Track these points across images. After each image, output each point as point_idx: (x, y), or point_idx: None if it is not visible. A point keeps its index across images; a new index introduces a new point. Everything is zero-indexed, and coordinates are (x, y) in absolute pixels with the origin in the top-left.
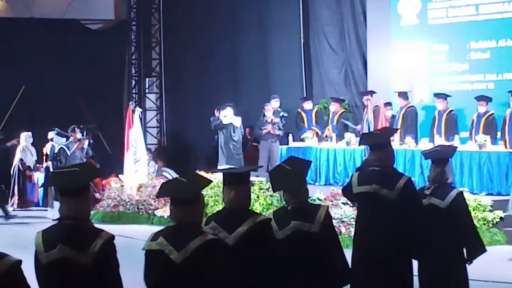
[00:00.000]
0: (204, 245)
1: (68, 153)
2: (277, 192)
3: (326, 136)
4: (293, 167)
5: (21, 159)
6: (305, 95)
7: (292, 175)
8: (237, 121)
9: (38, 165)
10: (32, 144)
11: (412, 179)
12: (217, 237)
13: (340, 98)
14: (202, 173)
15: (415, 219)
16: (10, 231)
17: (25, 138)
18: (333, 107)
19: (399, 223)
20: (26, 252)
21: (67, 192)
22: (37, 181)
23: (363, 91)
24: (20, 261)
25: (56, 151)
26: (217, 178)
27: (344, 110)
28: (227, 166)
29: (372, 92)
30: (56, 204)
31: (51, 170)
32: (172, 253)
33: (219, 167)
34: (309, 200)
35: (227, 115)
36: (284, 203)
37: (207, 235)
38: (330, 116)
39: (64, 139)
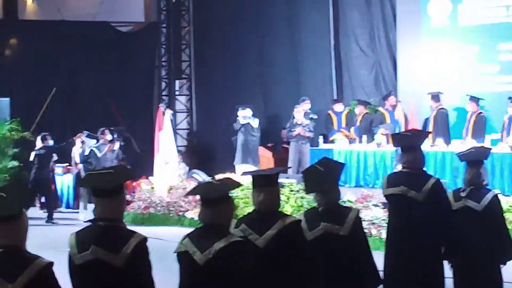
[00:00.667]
0: (228, 247)
1: (99, 155)
2: (309, 193)
3: (351, 138)
4: (326, 168)
5: None
6: (335, 97)
7: (324, 176)
8: (255, 123)
9: (69, 167)
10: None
11: (442, 181)
12: (243, 239)
13: (365, 100)
14: (232, 174)
15: (443, 221)
16: (41, 232)
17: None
18: (358, 109)
19: (427, 224)
20: (58, 253)
21: (101, 194)
22: (57, 184)
23: (384, 95)
24: (52, 263)
25: (86, 153)
26: (246, 180)
27: (367, 111)
28: (243, 165)
29: (389, 94)
30: (89, 206)
31: (82, 172)
32: (195, 254)
33: (235, 165)
34: (340, 202)
35: (246, 115)
36: (316, 204)
37: (232, 236)
38: (354, 116)
39: (94, 141)
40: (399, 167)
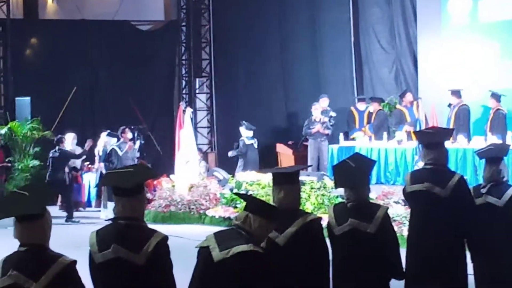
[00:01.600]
0: (245, 253)
1: (120, 154)
2: (338, 188)
3: (368, 136)
4: (358, 164)
5: None
6: (356, 95)
7: (355, 172)
8: (255, 143)
9: (90, 165)
10: (77, 144)
11: (464, 177)
12: (259, 248)
13: (379, 97)
14: (253, 173)
15: (467, 217)
16: (64, 231)
17: (70, 139)
18: (372, 107)
19: (452, 221)
20: (80, 252)
21: (122, 192)
22: (85, 182)
23: (401, 93)
24: (75, 261)
25: (108, 152)
26: (267, 177)
27: (380, 108)
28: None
29: (405, 92)
30: (110, 205)
31: (103, 171)
32: (214, 250)
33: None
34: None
35: (249, 136)
36: (345, 199)
37: (254, 246)
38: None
39: (115, 139)
40: (420, 164)
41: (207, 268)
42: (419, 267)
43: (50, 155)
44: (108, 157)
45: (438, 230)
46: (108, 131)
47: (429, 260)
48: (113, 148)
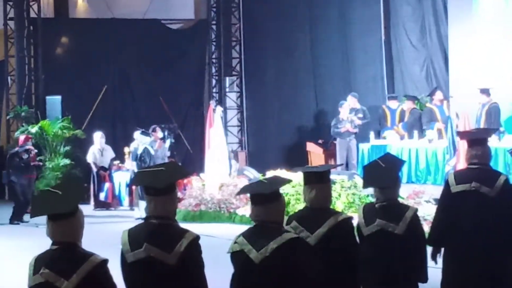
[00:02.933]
0: (284, 244)
1: (153, 153)
2: (367, 188)
3: (400, 134)
4: (388, 164)
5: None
6: (386, 93)
7: (385, 172)
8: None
9: (120, 164)
10: (107, 143)
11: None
12: (298, 235)
13: (413, 95)
14: (284, 171)
15: None
16: (96, 230)
17: (98, 138)
18: (406, 105)
19: (500, 221)
20: (112, 251)
21: (154, 192)
22: (115, 181)
23: (430, 91)
24: (106, 260)
25: (140, 151)
26: (297, 176)
27: (414, 107)
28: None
29: (435, 90)
30: (142, 204)
31: (135, 170)
32: (251, 253)
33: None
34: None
35: None
36: (374, 199)
37: (287, 234)
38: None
39: (148, 138)
40: (451, 163)
41: (249, 272)
42: (464, 269)
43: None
44: (140, 156)
45: (486, 231)
46: (142, 130)
47: (475, 262)
48: (146, 147)
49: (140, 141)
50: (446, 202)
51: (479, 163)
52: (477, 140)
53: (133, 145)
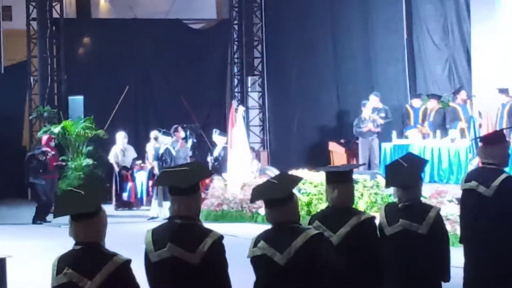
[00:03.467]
0: (307, 243)
1: (174, 153)
2: (389, 187)
3: (424, 133)
4: (410, 164)
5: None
6: (408, 92)
7: (407, 172)
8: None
9: (142, 164)
10: (130, 143)
11: None
12: (319, 231)
13: (437, 95)
14: (306, 171)
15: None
16: (119, 230)
17: (121, 138)
18: (430, 104)
19: (497, 221)
20: (135, 251)
21: (178, 191)
22: (137, 181)
23: (455, 90)
24: (129, 260)
25: (161, 151)
26: (319, 176)
27: (440, 106)
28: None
29: (460, 89)
30: (166, 204)
31: (156, 170)
32: (275, 256)
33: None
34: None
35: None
36: (396, 199)
37: (308, 231)
38: (428, 112)
39: (170, 138)
40: (474, 162)
41: (274, 275)
42: (475, 267)
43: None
44: (161, 156)
45: (485, 229)
46: (163, 130)
47: (486, 260)
48: (167, 148)
49: (161, 142)
50: (460, 199)
51: (488, 163)
52: (489, 140)
53: (149, 145)
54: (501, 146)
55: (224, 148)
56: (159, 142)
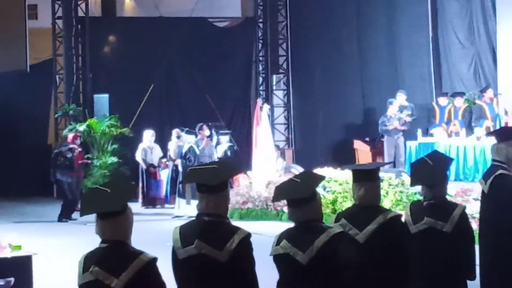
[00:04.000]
0: (329, 242)
1: (197, 151)
2: (414, 186)
3: (451, 132)
4: (436, 162)
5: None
6: (434, 90)
7: (433, 170)
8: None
9: (167, 162)
10: (155, 141)
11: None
12: (342, 230)
13: (462, 92)
14: (330, 169)
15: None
16: (145, 228)
17: (149, 136)
18: (458, 102)
19: (497, 217)
20: (161, 249)
21: (206, 189)
22: (163, 178)
23: (481, 89)
24: (155, 258)
25: (185, 150)
26: (344, 174)
27: (467, 104)
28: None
29: (487, 87)
30: (193, 202)
31: (180, 168)
32: (297, 255)
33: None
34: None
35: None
36: (422, 197)
37: (331, 230)
38: (453, 110)
39: (193, 137)
40: None
41: (296, 273)
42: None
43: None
44: (185, 154)
45: (487, 227)
46: (186, 129)
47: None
48: (191, 146)
49: (185, 140)
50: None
51: (494, 159)
52: (500, 135)
53: (171, 143)
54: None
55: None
56: (182, 140)
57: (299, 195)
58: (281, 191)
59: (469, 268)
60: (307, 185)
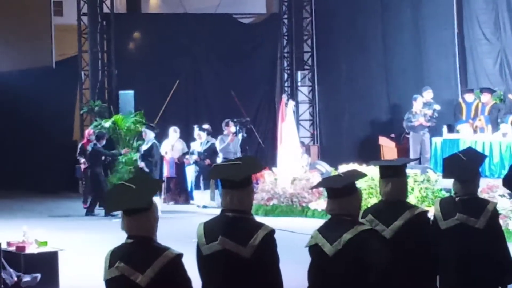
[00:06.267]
0: (357, 236)
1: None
2: (446, 178)
3: (476, 127)
4: (469, 158)
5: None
6: (459, 87)
7: (466, 166)
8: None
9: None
10: (181, 137)
11: None
12: (372, 227)
13: (490, 88)
14: (356, 165)
15: None
16: (171, 224)
17: (175, 132)
18: (484, 97)
19: None
20: (187, 244)
21: (230, 185)
22: (185, 175)
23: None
24: (181, 254)
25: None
26: (371, 170)
27: (495, 101)
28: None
29: None
30: (217, 198)
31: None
32: (325, 246)
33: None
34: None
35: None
36: (453, 193)
37: (360, 226)
38: (480, 106)
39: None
40: None
41: (323, 264)
42: None
43: (88, 149)
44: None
45: None
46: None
47: None
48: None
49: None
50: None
51: None
52: None
53: (193, 145)
54: None
55: (206, 143)
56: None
57: (335, 185)
58: (321, 181)
59: (508, 266)
60: (346, 178)
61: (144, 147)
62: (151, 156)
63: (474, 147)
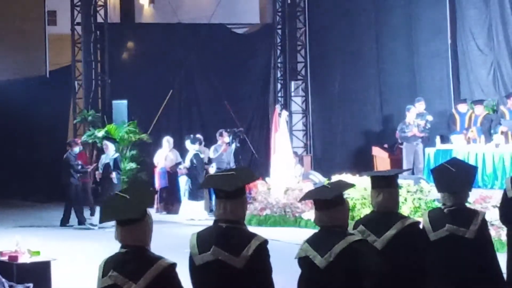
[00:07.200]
0: (348, 248)
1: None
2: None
3: (469, 138)
4: (457, 169)
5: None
6: (453, 97)
7: (455, 177)
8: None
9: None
10: (175, 147)
11: None
12: (362, 237)
13: (481, 100)
14: (349, 176)
15: None
16: (165, 233)
17: (168, 142)
18: (478, 109)
19: None
20: (180, 254)
21: (224, 195)
22: (178, 185)
23: (507, 94)
24: (174, 264)
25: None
26: (363, 181)
27: (487, 112)
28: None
29: (510, 95)
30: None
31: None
32: (316, 258)
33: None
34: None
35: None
36: (441, 204)
37: (350, 237)
38: (473, 117)
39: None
40: None
41: (314, 276)
42: None
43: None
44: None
45: None
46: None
47: None
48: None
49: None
50: (504, 208)
51: None
52: None
53: (187, 157)
54: None
55: (196, 155)
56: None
57: (324, 196)
58: (309, 193)
59: (498, 275)
60: (334, 189)
61: (106, 161)
62: (119, 168)
63: (467, 158)
